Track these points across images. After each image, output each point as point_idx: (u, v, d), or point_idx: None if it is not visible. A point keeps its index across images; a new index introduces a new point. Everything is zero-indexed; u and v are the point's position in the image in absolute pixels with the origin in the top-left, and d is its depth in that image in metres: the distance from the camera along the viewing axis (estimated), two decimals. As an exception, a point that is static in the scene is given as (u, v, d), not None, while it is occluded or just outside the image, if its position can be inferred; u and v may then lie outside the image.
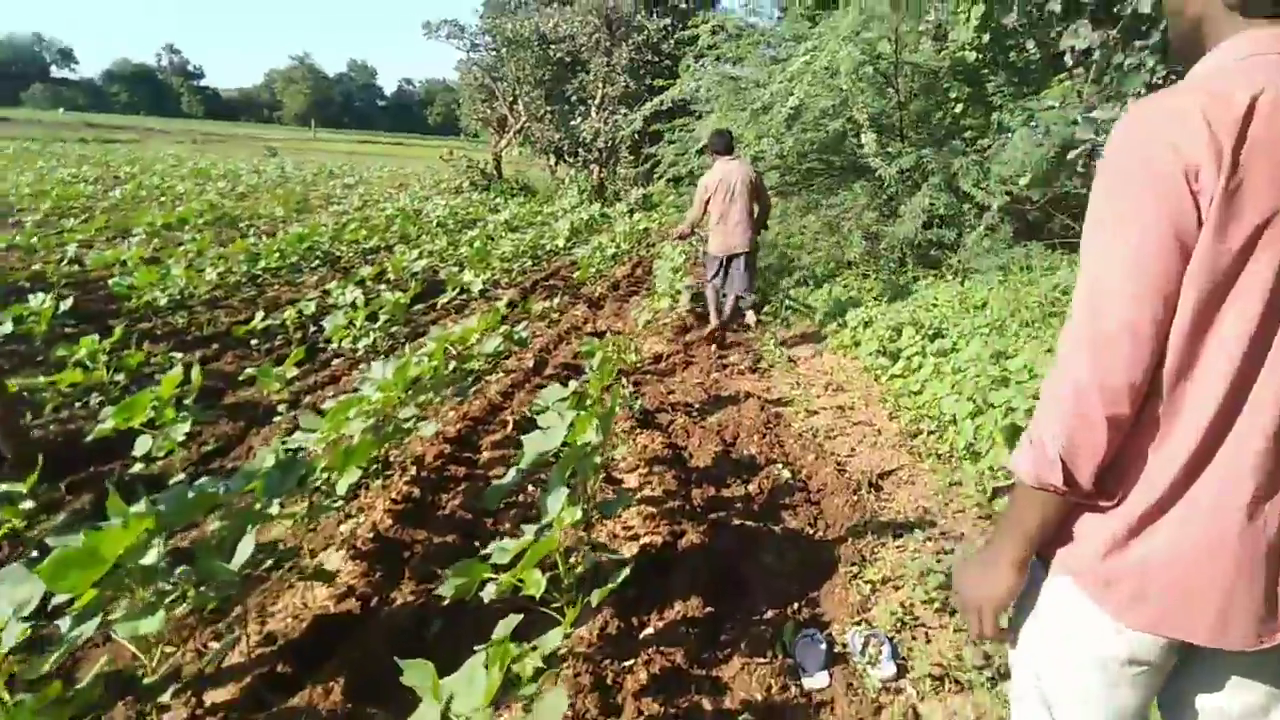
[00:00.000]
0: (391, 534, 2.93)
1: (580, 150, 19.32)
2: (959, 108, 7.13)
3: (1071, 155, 5.37)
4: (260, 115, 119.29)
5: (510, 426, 4.16)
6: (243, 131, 62.50)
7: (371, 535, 2.87)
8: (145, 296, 6.02)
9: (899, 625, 2.49)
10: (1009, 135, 6.23)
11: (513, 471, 2.73)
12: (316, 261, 8.65)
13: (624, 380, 4.80)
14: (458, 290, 7.42)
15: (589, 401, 3.21)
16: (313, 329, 5.81)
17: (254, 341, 5.61)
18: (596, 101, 18.53)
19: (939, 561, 2.82)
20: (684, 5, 18.64)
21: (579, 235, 12.53)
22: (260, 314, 5.65)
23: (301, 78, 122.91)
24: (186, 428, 3.29)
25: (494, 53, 20.84)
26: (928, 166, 6.67)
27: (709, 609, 2.50)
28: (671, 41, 18.55)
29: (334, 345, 5.36)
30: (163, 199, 13.68)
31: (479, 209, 14.73)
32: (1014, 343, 4.36)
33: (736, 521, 3.19)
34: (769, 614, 2.54)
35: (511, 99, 20.21)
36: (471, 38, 20.35)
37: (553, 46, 19.09)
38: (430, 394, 3.72)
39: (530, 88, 20.01)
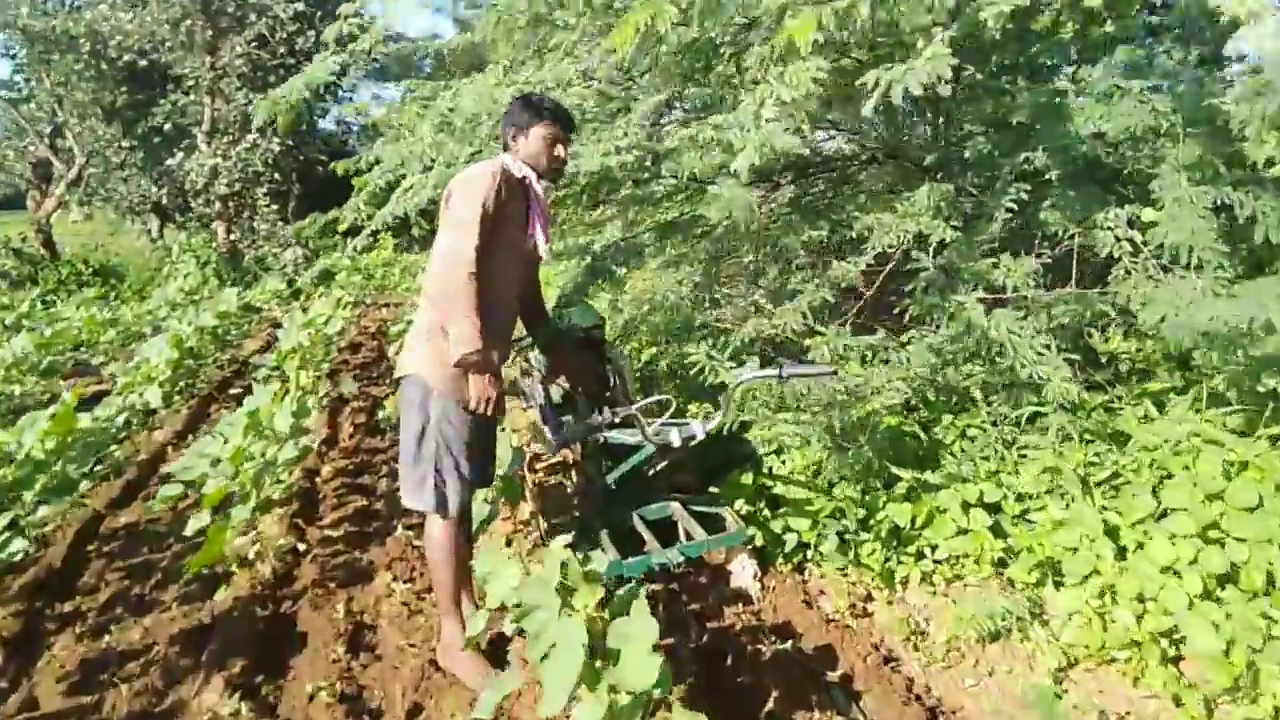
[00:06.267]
0: None
1: (194, 202, 12.60)
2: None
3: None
4: None
5: None
6: None
7: None
8: None
9: None
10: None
11: None
12: None
13: None
14: None
15: None
16: None
17: None
18: (204, 127, 12.06)
19: None
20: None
21: (193, 376, 6.24)
22: None
23: None
24: None
25: (10, 59, 13.15)
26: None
27: None
28: (310, 36, 12.75)
29: None
30: None
31: (-15, 326, 7.53)
32: None
33: None
34: None
35: (51, 130, 12.69)
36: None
37: (114, 48, 12.13)
38: None
39: (98, 120, 12.71)
